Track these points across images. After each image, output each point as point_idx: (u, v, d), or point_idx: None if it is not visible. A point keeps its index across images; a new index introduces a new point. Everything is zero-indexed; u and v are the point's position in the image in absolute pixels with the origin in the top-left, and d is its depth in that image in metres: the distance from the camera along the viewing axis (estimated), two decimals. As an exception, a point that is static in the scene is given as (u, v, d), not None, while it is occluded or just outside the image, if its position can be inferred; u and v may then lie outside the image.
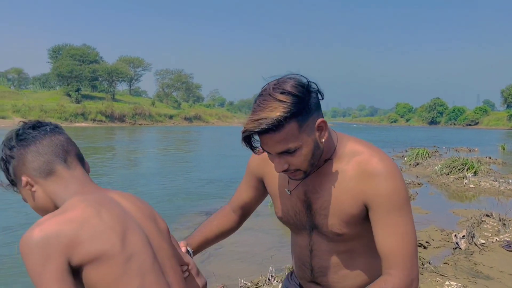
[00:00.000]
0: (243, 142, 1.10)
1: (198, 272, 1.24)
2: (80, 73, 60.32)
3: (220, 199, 8.57)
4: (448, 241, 5.37)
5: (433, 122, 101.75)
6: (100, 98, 60.91)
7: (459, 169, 10.80)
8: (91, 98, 60.66)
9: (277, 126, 1.04)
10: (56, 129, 1.13)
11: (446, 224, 6.23)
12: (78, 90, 59.00)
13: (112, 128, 45.46)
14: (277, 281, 3.84)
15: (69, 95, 57.63)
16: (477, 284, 3.84)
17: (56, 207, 1.06)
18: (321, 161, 1.20)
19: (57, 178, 1.07)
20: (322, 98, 1.14)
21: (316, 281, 1.34)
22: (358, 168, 1.17)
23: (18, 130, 1.10)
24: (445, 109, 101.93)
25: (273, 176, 1.36)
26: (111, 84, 67.24)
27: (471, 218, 6.22)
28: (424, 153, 14.96)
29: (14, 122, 43.26)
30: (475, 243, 5.03)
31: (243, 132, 1.07)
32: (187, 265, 1.21)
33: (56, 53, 67.07)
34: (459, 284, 3.76)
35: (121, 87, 75.75)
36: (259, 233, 5.96)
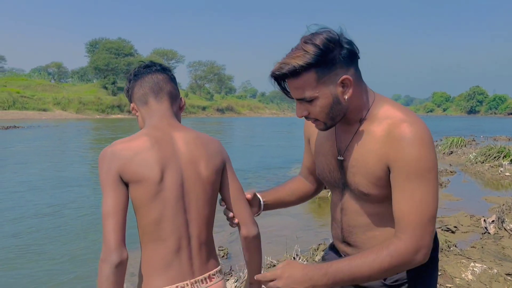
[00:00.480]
0: (275, 85, 1.17)
1: (247, 222, 1.35)
2: (116, 66, 61.97)
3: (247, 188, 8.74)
4: (477, 227, 5.33)
5: (472, 111, 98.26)
6: (135, 91, 62.34)
7: (495, 157, 10.53)
8: (127, 90, 62.23)
9: (293, 72, 1.11)
10: (160, 69, 1.40)
11: (477, 210, 6.15)
12: (114, 82, 60.63)
13: (147, 120, 46.42)
14: (302, 260, 3.98)
15: (106, 88, 59.34)
16: (504, 266, 3.83)
17: None
18: (356, 120, 1.23)
19: (148, 109, 1.36)
20: (356, 54, 1.15)
21: (346, 241, 1.35)
22: (387, 130, 1.16)
23: (135, 68, 1.42)
24: (485, 97, 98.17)
25: (315, 136, 1.41)
26: (146, 77, 68.63)
27: (503, 204, 6.12)
28: (459, 142, 14.60)
29: (55, 114, 45.12)
30: (504, 228, 4.97)
31: (270, 74, 1.16)
32: (231, 211, 1.36)
33: (93, 47, 69.11)
34: (484, 266, 3.77)
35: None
36: (286, 217, 6.09)
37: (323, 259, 1.53)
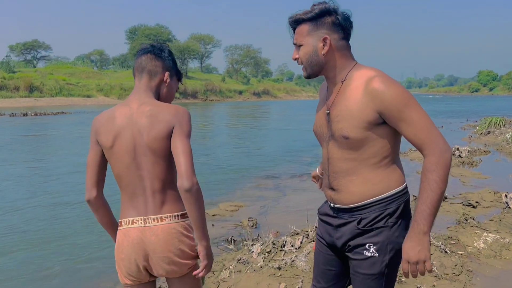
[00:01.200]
0: (290, 31, 1.60)
1: (181, 175, 1.55)
2: (154, 52, 63.12)
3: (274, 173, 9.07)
4: (499, 202, 5.44)
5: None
6: (174, 76, 63.50)
7: (533, 137, 10.28)
8: (165, 76, 63.43)
9: (296, 21, 1.55)
10: (149, 50, 1.74)
11: (503, 187, 6.21)
12: (153, 68, 61.84)
13: (185, 104, 47.56)
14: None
15: (146, 74, 60.72)
16: (516, 236, 4.00)
17: None
18: (338, 81, 1.57)
19: (137, 83, 1.75)
20: (344, 27, 1.52)
21: (331, 186, 1.62)
22: (364, 84, 1.47)
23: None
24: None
25: (320, 100, 1.73)
26: (183, 62, 69.72)
27: (530, 181, 6.14)
28: (498, 122, 14.24)
29: (99, 100, 46.92)
30: (526, 203, 5.07)
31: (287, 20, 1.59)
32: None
33: (132, 34, 70.81)
34: (497, 236, 3.96)
35: (193, 64, 78.07)
36: (311, 193, 6.40)
37: (318, 211, 1.81)
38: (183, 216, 1.69)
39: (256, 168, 9.04)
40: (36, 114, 26.19)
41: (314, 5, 1.53)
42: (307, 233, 4.20)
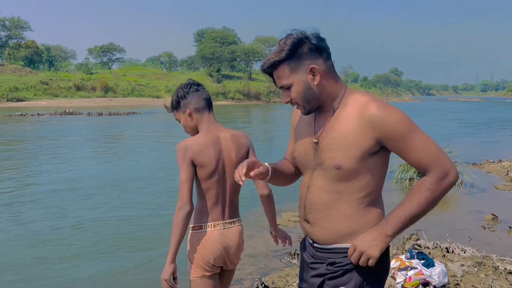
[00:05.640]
0: (267, 77, 1.48)
1: (261, 185, 2.11)
2: (220, 54, 64.79)
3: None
4: None
5: None
6: (238, 78, 64.71)
7: None
8: (230, 77, 64.82)
9: (272, 66, 1.42)
10: (203, 89, 2.18)
11: None
12: (218, 70, 63.52)
13: (248, 106, 48.19)
14: (392, 248, 4.06)
15: (211, 75, 62.40)
16: None
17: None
18: (331, 109, 1.45)
19: (202, 116, 2.16)
20: (323, 49, 1.40)
21: (306, 219, 1.52)
22: (359, 110, 1.38)
23: (188, 84, 2.17)
24: None
25: (298, 123, 1.62)
26: (248, 64, 70.69)
27: None
28: None
29: (167, 101, 48.84)
30: None
31: (260, 68, 1.48)
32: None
33: (200, 36, 72.94)
34: None
35: (257, 66, 78.68)
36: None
37: (300, 245, 1.68)
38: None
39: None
40: (110, 114, 27.85)
41: (281, 41, 1.41)
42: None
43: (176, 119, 2.19)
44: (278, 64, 1.41)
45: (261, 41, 76.95)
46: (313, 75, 1.41)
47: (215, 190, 2.06)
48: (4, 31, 61.93)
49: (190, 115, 2.10)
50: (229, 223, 2.10)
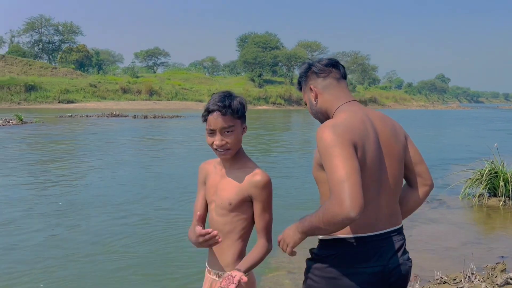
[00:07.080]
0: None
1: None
2: (262, 59, 64.90)
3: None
4: None
5: None
6: (280, 83, 64.50)
7: None
8: (271, 82, 64.73)
9: (298, 88, 1.82)
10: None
11: None
12: (260, 75, 63.60)
13: (289, 111, 47.84)
14: (478, 280, 3.59)
15: (253, 80, 62.62)
16: None
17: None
18: None
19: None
20: (318, 73, 1.67)
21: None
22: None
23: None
24: None
25: None
26: (290, 69, 70.45)
27: None
28: None
29: (209, 105, 49.53)
30: None
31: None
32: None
33: (242, 41, 73.47)
34: None
35: (299, 71, 78.52)
36: (450, 226, 5.61)
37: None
38: None
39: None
40: (154, 117, 28.35)
41: (299, 73, 1.78)
42: (459, 284, 3.51)
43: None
44: (299, 85, 1.79)
45: (304, 46, 76.59)
46: (312, 93, 1.69)
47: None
48: (57, 35, 65.12)
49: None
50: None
